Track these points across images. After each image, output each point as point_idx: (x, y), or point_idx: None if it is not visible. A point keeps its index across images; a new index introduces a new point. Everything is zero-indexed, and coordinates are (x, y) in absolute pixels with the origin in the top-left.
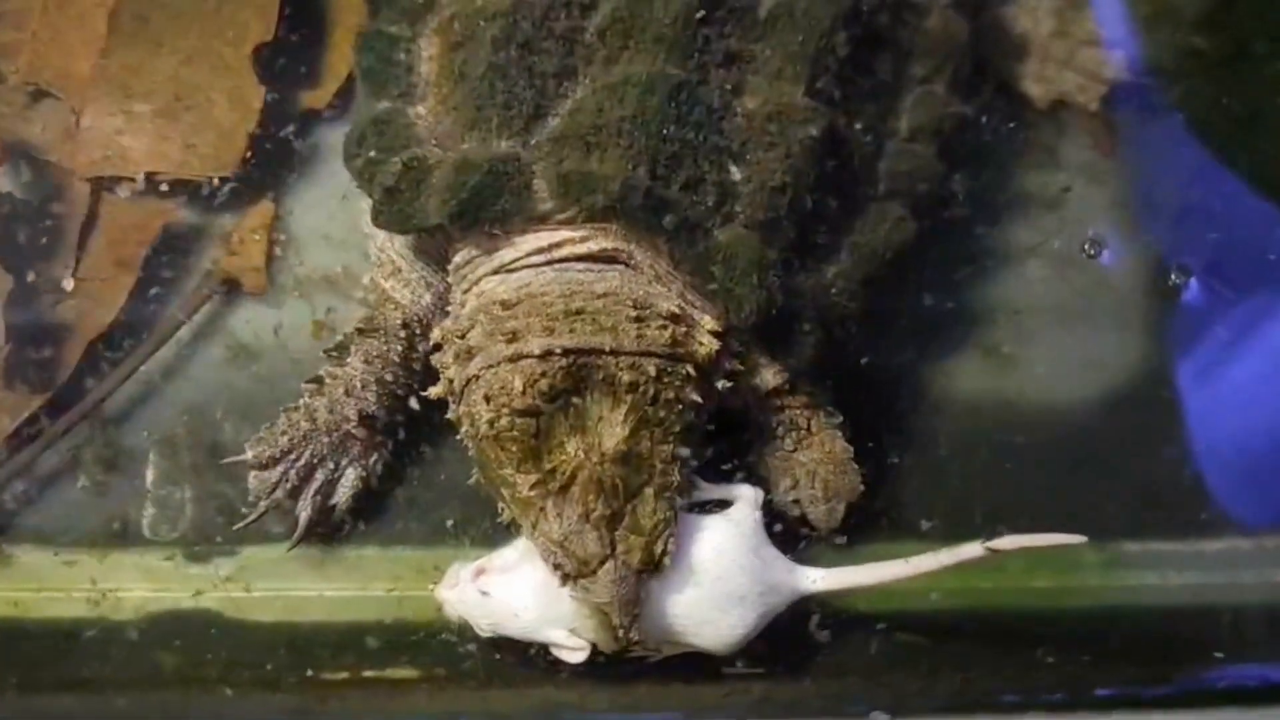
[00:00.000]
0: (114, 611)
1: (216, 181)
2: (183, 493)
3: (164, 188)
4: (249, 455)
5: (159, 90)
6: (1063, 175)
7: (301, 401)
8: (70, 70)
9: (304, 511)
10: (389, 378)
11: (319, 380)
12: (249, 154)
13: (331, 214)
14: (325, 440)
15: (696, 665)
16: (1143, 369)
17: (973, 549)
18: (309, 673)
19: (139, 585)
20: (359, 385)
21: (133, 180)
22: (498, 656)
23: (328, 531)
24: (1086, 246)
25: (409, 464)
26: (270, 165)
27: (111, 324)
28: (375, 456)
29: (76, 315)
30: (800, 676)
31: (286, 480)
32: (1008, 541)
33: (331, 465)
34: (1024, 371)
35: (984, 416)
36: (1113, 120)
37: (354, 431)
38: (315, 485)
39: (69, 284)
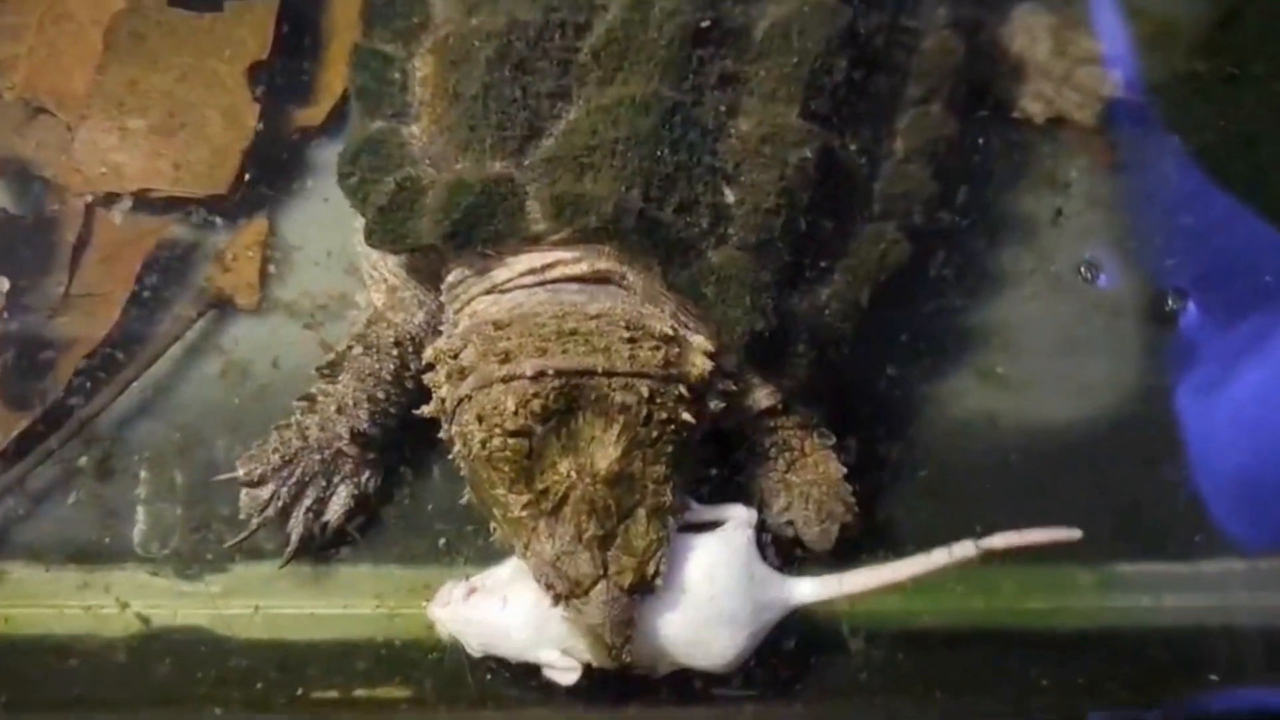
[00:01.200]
0: (104, 628)
1: (210, 198)
2: (174, 509)
3: (158, 204)
4: (240, 472)
5: (154, 107)
6: (1059, 197)
7: (293, 419)
8: (66, 87)
9: (295, 529)
10: (381, 395)
11: (311, 398)
12: (243, 171)
13: (325, 232)
14: (317, 458)
15: (688, 686)
16: (1138, 391)
17: (965, 548)
18: (299, 691)
19: (130, 602)
20: (351, 403)
21: (127, 197)
22: (490, 676)
23: (319, 549)
24: (1083, 269)
25: (401, 482)
26: (264, 183)
27: (104, 340)
28: (367, 474)
29: (69, 331)
30: (792, 697)
31: (278, 498)
32: (1000, 540)
33: (323, 483)
34: (1018, 393)
35: (978, 438)
36: (1111, 135)
37: (346, 449)
38: (307, 503)
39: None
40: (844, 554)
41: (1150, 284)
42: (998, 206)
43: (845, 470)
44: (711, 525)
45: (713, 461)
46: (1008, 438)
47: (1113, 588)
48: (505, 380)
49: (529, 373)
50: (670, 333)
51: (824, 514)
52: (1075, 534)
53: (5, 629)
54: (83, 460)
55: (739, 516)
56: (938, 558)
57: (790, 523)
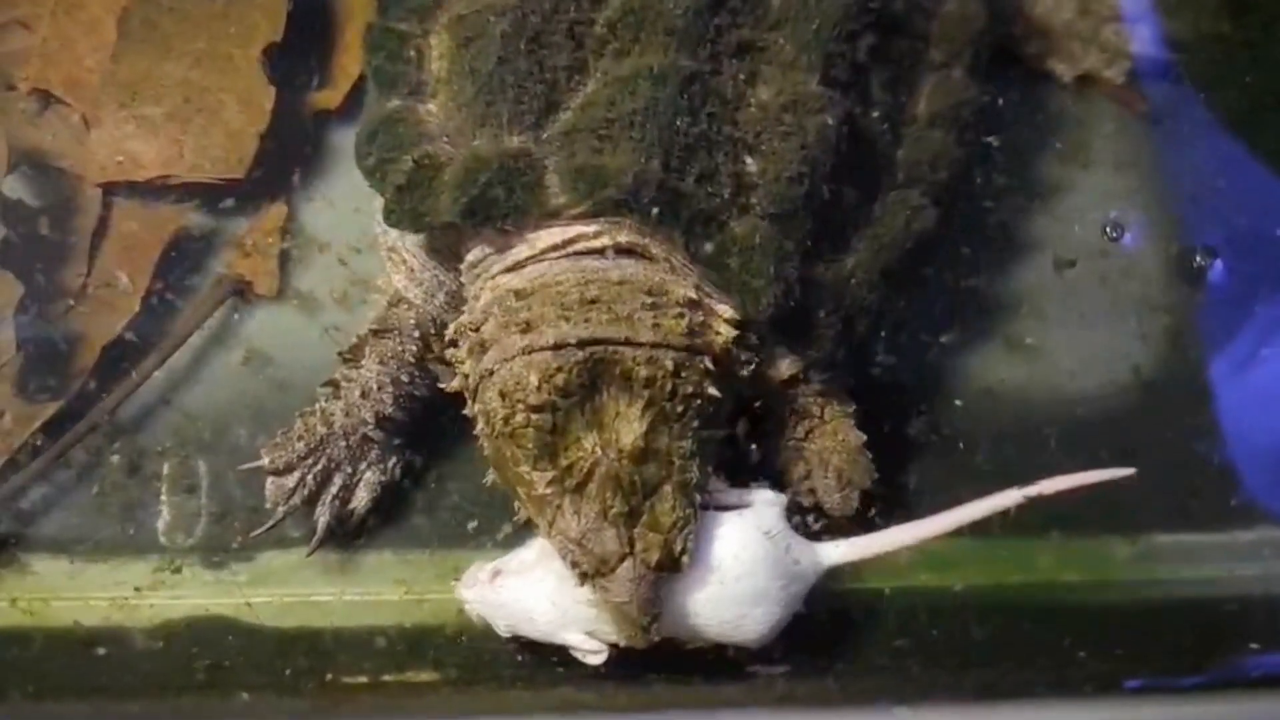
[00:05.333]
0: (130, 619)
1: (228, 183)
2: (198, 499)
3: (176, 192)
4: (265, 461)
5: (169, 94)
6: (1084, 158)
7: (317, 405)
8: (80, 76)
9: (322, 517)
10: (404, 379)
11: (334, 383)
12: (260, 156)
13: (344, 215)
14: (342, 444)
15: (718, 663)
16: (1168, 355)
17: (1009, 497)
18: (328, 677)
19: (155, 592)
20: (375, 387)
21: (144, 185)
22: (519, 657)
23: (346, 536)
24: (1108, 229)
25: (427, 466)
26: (282, 167)
27: (124, 330)
28: (393, 459)
29: (89, 322)
30: (823, 672)
31: (304, 485)
32: (1047, 485)
33: (349, 469)
34: (1048, 362)
35: (1009, 409)
36: (1139, 88)
37: (371, 434)
38: (333, 490)
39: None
40: (871, 525)
41: (1178, 243)
42: (1023, 170)
43: (864, 437)
44: (739, 507)
45: (738, 440)
46: (1038, 408)
47: (1150, 559)
48: (527, 352)
49: (550, 342)
50: (694, 296)
51: (844, 481)
52: (1128, 472)
53: (31, 621)
54: (105, 452)
55: (767, 498)
56: (975, 509)
57: (812, 490)
